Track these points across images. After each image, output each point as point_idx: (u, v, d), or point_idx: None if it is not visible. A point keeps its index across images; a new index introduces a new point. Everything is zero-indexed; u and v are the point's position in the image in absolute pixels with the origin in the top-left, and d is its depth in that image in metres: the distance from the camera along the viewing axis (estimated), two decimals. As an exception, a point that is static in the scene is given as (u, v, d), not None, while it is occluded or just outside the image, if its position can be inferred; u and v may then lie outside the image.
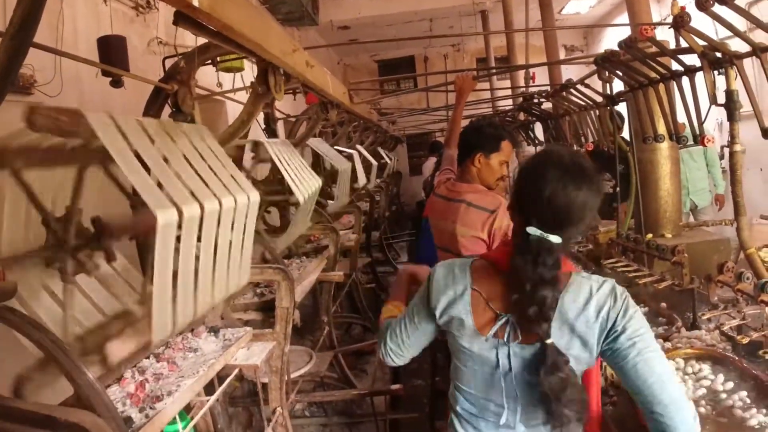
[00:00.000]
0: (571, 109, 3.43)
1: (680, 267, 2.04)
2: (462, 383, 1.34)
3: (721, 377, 1.55)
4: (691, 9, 1.70)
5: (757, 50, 1.59)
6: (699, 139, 1.95)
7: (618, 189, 2.86)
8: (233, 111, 4.78)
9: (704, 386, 1.54)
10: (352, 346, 4.16)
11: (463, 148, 2.43)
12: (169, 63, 2.03)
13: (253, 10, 1.49)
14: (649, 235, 2.53)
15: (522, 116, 5.27)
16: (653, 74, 2.15)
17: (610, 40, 8.27)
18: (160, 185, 1.13)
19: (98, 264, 1.42)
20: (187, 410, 1.58)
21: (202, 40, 1.54)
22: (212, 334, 1.73)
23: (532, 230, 1.20)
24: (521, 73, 6.55)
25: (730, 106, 1.68)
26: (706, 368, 1.62)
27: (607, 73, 2.50)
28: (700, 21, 1.73)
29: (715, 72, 1.73)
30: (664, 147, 2.68)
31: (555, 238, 1.19)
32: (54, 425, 0.97)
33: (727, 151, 1.89)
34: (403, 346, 1.41)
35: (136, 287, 1.61)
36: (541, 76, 6.14)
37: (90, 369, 1.04)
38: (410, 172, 12.22)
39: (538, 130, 4.87)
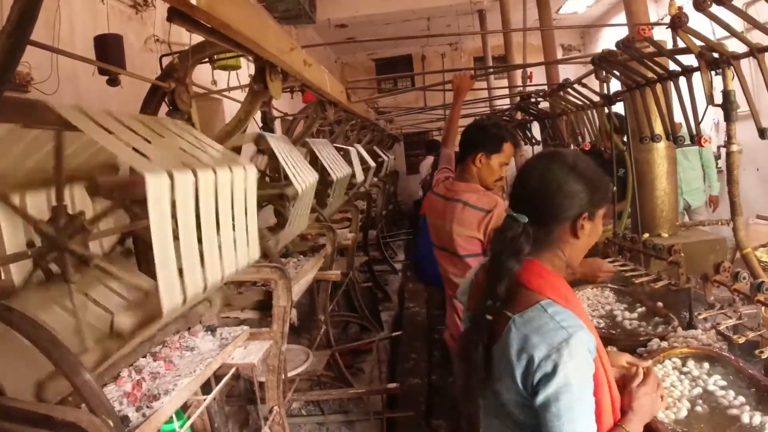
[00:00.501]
0: (569, 108, 3.43)
1: (677, 266, 2.05)
2: None
3: (717, 377, 1.56)
4: (689, 9, 1.69)
5: (754, 51, 1.59)
6: (696, 139, 1.96)
7: (615, 188, 2.86)
8: (230, 109, 4.77)
9: (700, 385, 1.54)
10: (349, 344, 4.16)
11: (465, 146, 2.42)
12: (166, 61, 2.02)
13: (250, 8, 1.48)
14: (646, 235, 2.54)
15: (519, 116, 5.29)
16: (650, 74, 2.15)
17: (608, 39, 8.29)
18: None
19: (93, 255, 1.41)
20: (183, 409, 1.57)
21: (196, 38, 1.54)
22: (209, 332, 1.73)
23: (507, 210, 1.27)
24: (518, 73, 6.57)
25: (727, 106, 1.68)
26: (702, 368, 1.63)
27: (604, 72, 2.50)
28: (697, 21, 1.73)
29: (713, 72, 1.73)
30: (661, 147, 2.68)
31: (522, 218, 1.22)
32: (51, 424, 0.97)
33: (723, 151, 1.90)
34: None
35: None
36: (539, 76, 6.14)
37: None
38: (407, 171, 12.24)
39: (535, 129, 4.88)
